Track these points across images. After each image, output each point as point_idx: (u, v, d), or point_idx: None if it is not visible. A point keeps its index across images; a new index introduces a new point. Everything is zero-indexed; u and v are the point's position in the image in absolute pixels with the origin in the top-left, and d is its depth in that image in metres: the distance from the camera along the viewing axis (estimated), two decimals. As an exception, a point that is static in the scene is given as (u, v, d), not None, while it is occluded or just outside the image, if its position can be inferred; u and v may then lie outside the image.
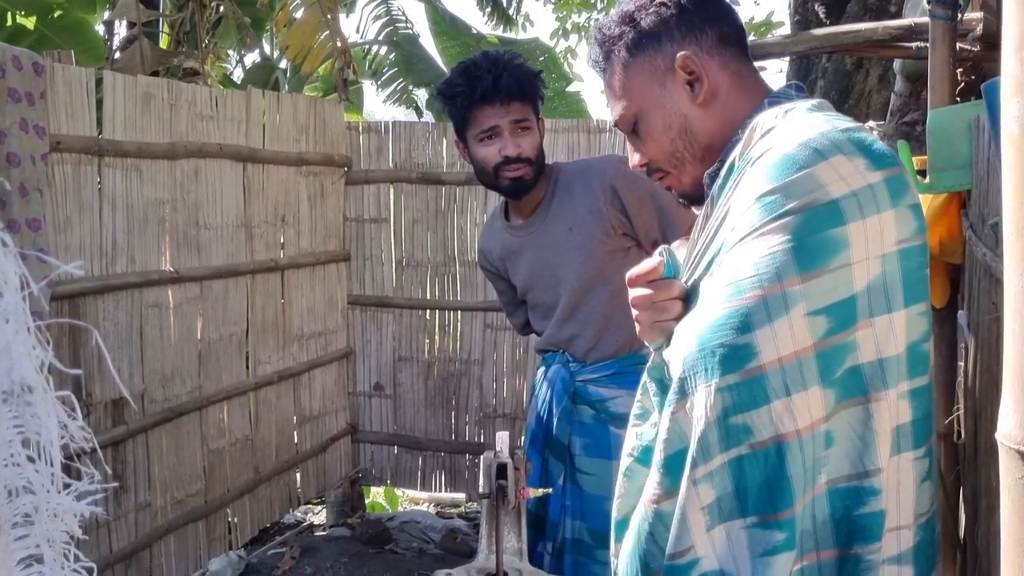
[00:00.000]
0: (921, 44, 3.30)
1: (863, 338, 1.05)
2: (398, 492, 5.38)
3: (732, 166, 1.17)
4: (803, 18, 7.28)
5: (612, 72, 1.33)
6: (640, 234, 2.32)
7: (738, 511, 1.07)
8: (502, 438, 1.82)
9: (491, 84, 2.23)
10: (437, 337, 4.75)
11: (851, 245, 1.03)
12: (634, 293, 1.25)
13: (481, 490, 1.76)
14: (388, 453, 4.86)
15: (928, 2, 2.29)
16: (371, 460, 4.88)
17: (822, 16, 7.06)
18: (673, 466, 1.12)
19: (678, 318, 1.19)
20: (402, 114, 7.77)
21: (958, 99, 3.63)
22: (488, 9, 9.08)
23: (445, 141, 4.59)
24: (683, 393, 1.11)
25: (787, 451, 1.05)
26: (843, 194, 1.04)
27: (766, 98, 1.23)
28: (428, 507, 5.39)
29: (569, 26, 11.42)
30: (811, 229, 1.03)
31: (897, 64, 3.92)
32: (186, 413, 3.56)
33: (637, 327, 1.25)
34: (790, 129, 1.11)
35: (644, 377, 1.30)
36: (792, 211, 1.04)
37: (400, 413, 4.80)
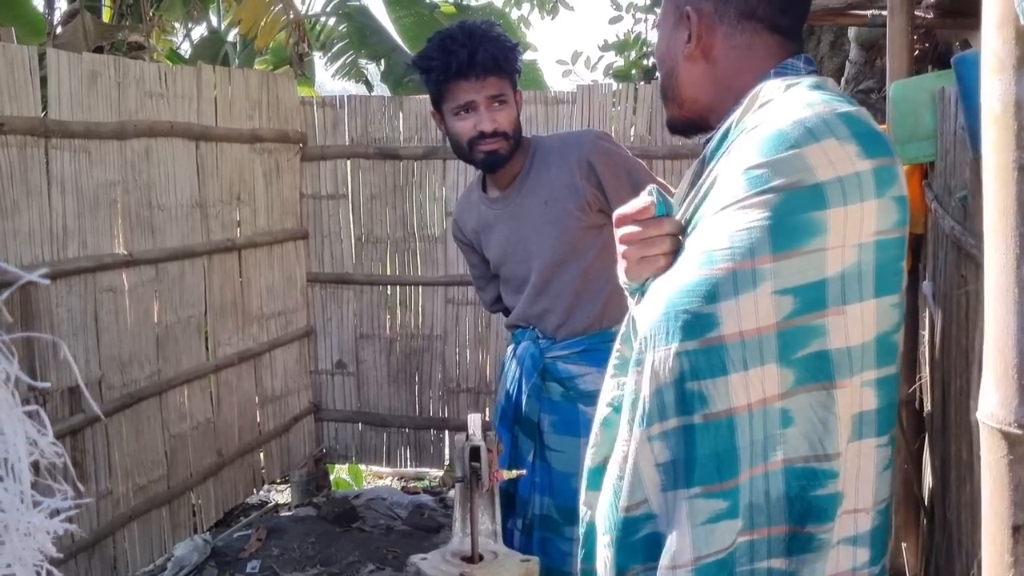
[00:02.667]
0: (876, 12, 3.32)
1: (833, 324, 1.06)
2: (362, 468, 5.37)
3: (727, 131, 1.18)
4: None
5: None
6: (615, 210, 2.31)
7: (684, 481, 1.09)
8: (474, 420, 1.81)
9: (467, 59, 2.20)
10: (399, 313, 4.72)
11: (828, 230, 1.04)
12: (623, 231, 1.23)
13: (456, 474, 1.74)
14: (352, 431, 4.84)
15: (886, -30, 2.29)
16: (335, 438, 4.85)
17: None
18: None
19: (667, 255, 1.19)
20: (352, 88, 7.67)
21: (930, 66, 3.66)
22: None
23: (402, 115, 4.53)
24: (644, 352, 1.12)
25: (737, 424, 1.07)
26: (829, 179, 1.04)
27: (773, 68, 1.22)
28: (392, 482, 5.39)
29: (523, -5, 11.32)
30: (791, 209, 1.04)
31: (852, 32, 3.94)
32: (145, 398, 3.50)
33: (623, 264, 1.24)
34: (788, 104, 1.11)
35: (624, 326, 1.30)
36: (775, 188, 1.04)
37: (363, 390, 4.77)
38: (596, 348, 2.38)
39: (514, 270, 2.43)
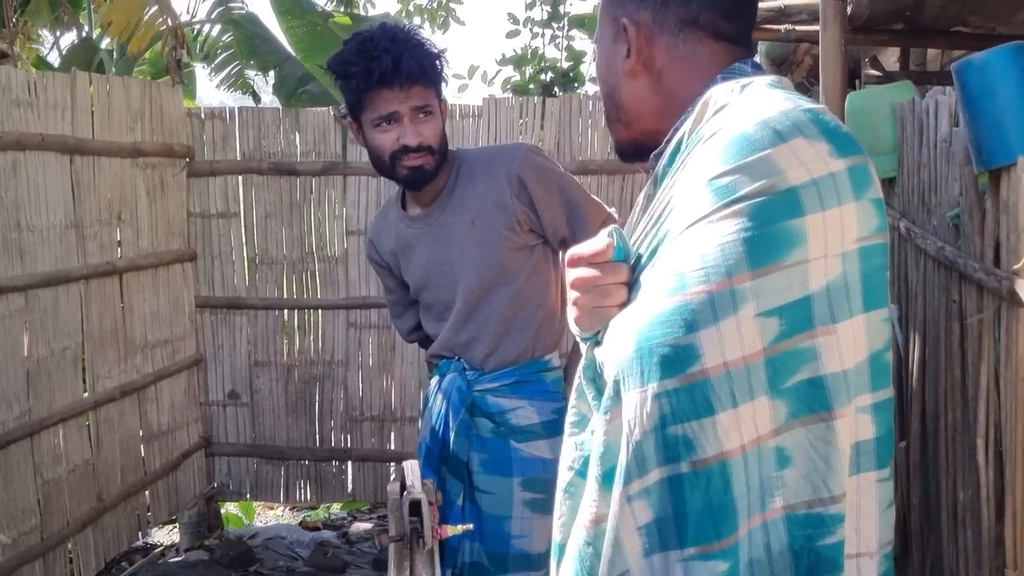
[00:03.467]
0: (789, 27, 3.29)
1: (825, 346, 0.93)
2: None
3: (680, 144, 1.06)
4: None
5: None
6: (548, 230, 2.14)
7: (676, 541, 0.94)
8: (410, 468, 1.60)
9: (391, 66, 1.99)
10: (297, 338, 4.45)
11: (809, 239, 0.92)
12: (576, 274, 1.09)
13: (391, 532, 1.53)
14: (246, 465, 4.52)
15: (820, -19, 2.23)
16: (228, 474, 4.53)
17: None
18: (611, 480, 0.98)
19: (622, 306, 1.05)
20: (237, 100, 7.32)
21: (818, 82, 3.67)
22: (329, -12, 8.68)
23: (298, 129, 4.28)
24: (618, 398, 0.97)
25: (731, 470, 0.93)
26: (802, 182, 0.92)
27: (719, 73, 1.11)
28: (285, 512, 5.08)
29: (412, 7, 11.13)
30: (766, 219, 0.92)
31: (762, 47, 3.94)
32: (14, 441, 3.13)
33: (573, 312, 1.10)
34: (747, 106, 0.99)
35: (578, 378, 1.15)
36: (746, 197, 0.92)
37: (258, 422, 4.47)
38: (528, 379, 2.21)
39: (437, 295, 2.24)
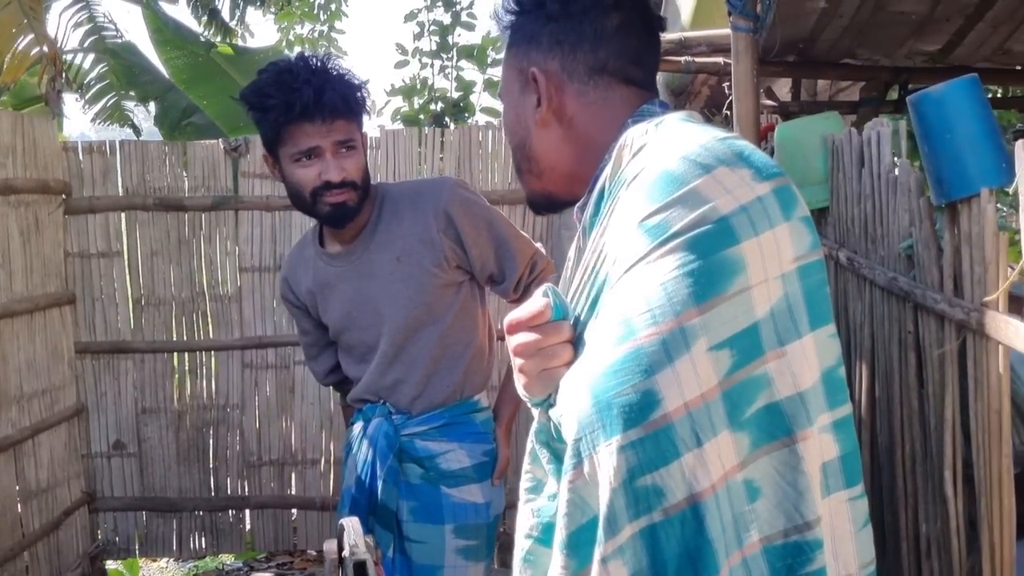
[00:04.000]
0: (690, 59, 3.35)
1: (776, 371, 0.93)
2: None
3: (603, 191, 1.05)
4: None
5: (503, 42, 1.24)
6: (475, 267, 2.08)
7: None
8: (352, 526, 1.50)
9: (312, 99, 1.89)
10: (188, 382, 4.22)
11: (748, 266, 0.91)
12: (517, 340, 1.07)
13: (332, 600, 1.43)
14: (135, 520, 4.25)
15: (730, 15, 2.26)
16: (114, 530, 4.24)
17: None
18: (578, 544, 0.95)
19: (569, 365, 1.03)
20: (104, 132, 6.98)
21: (722, 112, 3.75)
22: (204, 18, 8.43)
23: (186, 162, 4.09)
24: (580, 457, 0.94)
25: (705, 511, 0.90)
26: (732, 209, 0.92)
27: (629, 117, 1.11)
28: (167, 563, 4.80)
29: (292, 37, 10.93)
30: (703, 252, 0.91)
31: (662, 78, 3.99)
32: None
33: (520, 379, 1.07)
34: (665, 143, 1.00)
35: (531, 442, 1.12)
36: (679, 233, 0.92)
37: (147, 473, 4.21)
38: (457, 421, 2.14)
39: (359, 336, 2.14)
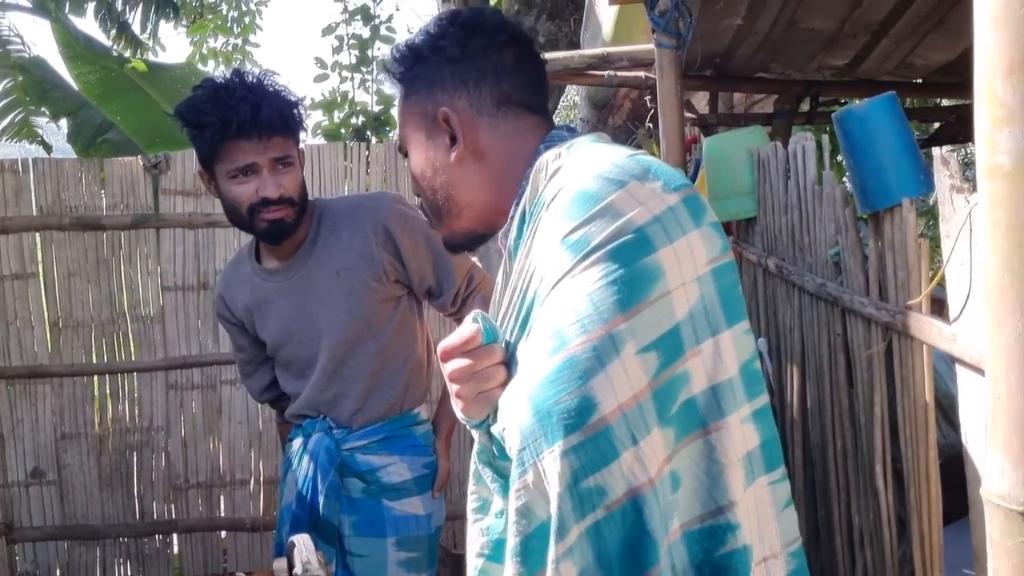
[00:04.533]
0: (612, 73, 3.44)
1: (694, 368, 1.00)
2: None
3: (524, 214, 1.11)
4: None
5: (398, 95, 1.27)
6: (414, 280, 2.10)
7: None
8: (303, 544, 1.50)
9: (249, 116, 1.89)
10: (110, 405, 4.10)
11: (666, 272, 0.98)
12: (451, 367, 1.11)
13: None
14: (56, 549, 4.10)
15: (653, 32, 2.34)
16: (33, 562, 4.08)
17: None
18: (529, 550, 1.00)
19: (504, 385, 1.08)
20: (23, 150, 6.74)
21: (645, 124, 3.85)
22: (114, 31, 8.22)
23: (104, 180, 3.99)
24: (524, 467, 0.98)
25: (644, 504, 0.96)
26: (646, 220, 0.99)
27: (540, 143, 1.18)
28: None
29: (205, 51, 10.72)
30: (624, 261, 0.97)
31: (583, 92, 4.08)
32: None
33: (458, 404, 1.12)
34: (578, 163, 1.07)
35: (474, 463, 1.16)
36: (600, 246, 0.98)
37: (68, 500, 4.07)
38: (398, 434, 2.15)
39: (298, 351, 2.13)
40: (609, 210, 0.99)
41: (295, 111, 2.01)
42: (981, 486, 0.87)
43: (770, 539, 1.06)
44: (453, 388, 1.12)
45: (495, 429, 1.09)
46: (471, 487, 1.18)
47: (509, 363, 1.09)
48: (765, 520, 1.06)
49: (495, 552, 1.13)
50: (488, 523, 1.15)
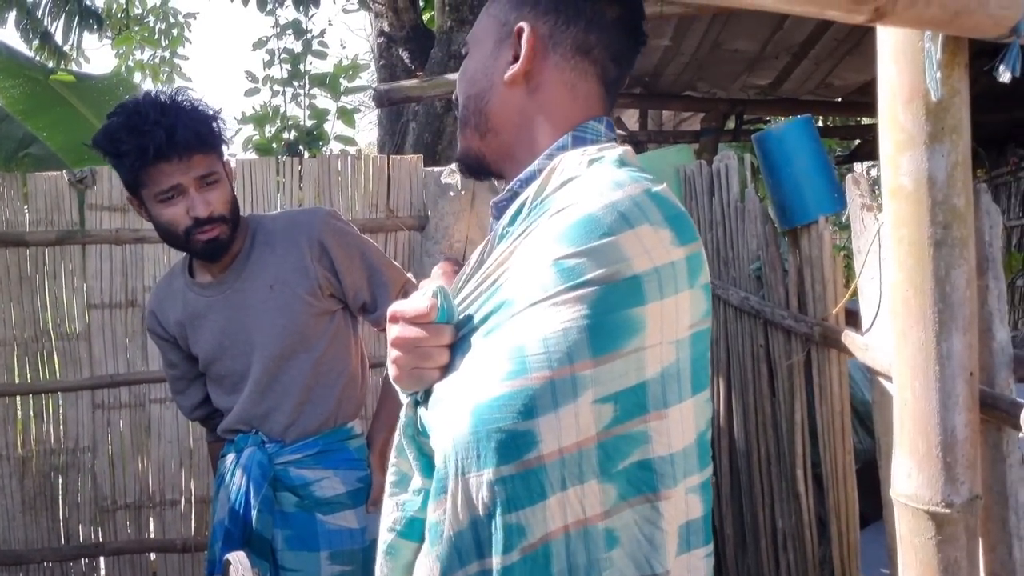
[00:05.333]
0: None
1: (656, 430, 0.97)
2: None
3: (522, 207, 1.06)
4: (388, 62, 7.47)
5: None
6: (348, 294, 2.11)
7: None
8: (239, 561, 1.49)
9: (165, 140, 1.88)
10: (33, 426, 3.99)
11: (647, 327, 0.95)
12: (396, 332, 1.07)
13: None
14: (-25, 576, 3.97)
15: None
16: (-48, 589, 3.94)
17: (407, 61, 7.29)
18: (450, 556, 0.98)
19: (442, 370, 1.05)
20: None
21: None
22: (36, 42, 8.02)
23: (27, 195, 3.89)
24: (446, 480, 0.97)
25: (552, 550, 0.94)
26: (646, 270, 0.95)
27: (572, 130, 1.11)
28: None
29: (132, 63, 10.52)
30: (610, 306, 0.93)
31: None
32: None
33: (392, 370, 1.08)
34: (595, 184, 1.00)
35: (398, 436, 1.12)
36: (591, 282, 0.94)
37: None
38: (332, 449, 2.16)
39: (231, 365, 2.13)
40: (611, 248, 0.94)
41: (212, 126, 2.01)
42: (891, 487, 0.92)
43: None
44: (392, 354, 1.07)
45: (423, 413, 1.06)
46: (392, 459, 1.15)
47: (456, 347, 1.05)
48: None
49: (408, 529, 1.10)
50: (404, 499, 1.12)
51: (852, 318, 1.29)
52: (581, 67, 1.12)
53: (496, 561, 0.93)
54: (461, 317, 1.06)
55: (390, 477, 1.15)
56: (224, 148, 2.07)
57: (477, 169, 1.21)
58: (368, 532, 2.19)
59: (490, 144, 1.16)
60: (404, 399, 1.11)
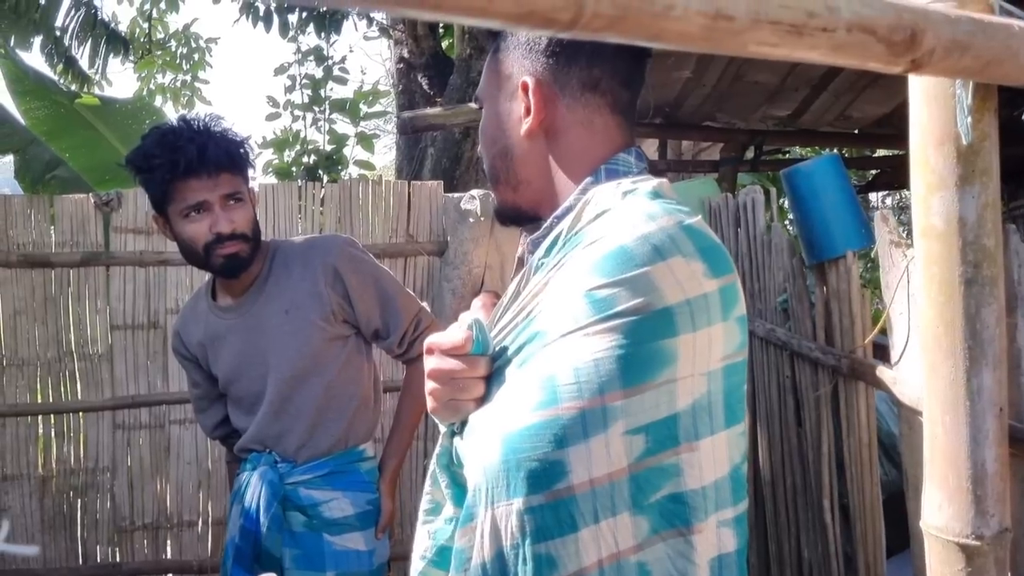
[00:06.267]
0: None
1: (687, 463, 0.97)
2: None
3: (557, 239, 1.07)
4: (407, 88, 7.55)
5: (489, 46, 1.20)
6: (361, 321, 2.15)
7: None
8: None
9: (196, 156, 1.95)
10: (54, 446, 4.02)
11: (679, 359, 0.95)
12: (433, 363, 1.08)
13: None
14: (-7, 595, 3.99)
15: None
16: (-30, 608, 3.97)
17: (426, 87, 7.36)
18: None
19: (477, 401, 1.06)
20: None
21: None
22: (60, 66, 8.14)
23: (52, 217, 3.95)
24: (476, 508, 0.98)
25: None
26: (678, 302, 0.95)
27: (603, 164, 1.11)
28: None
29: (154, 86, 10.66)
30: (641, 338, 0.94)
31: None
32: None
33: (429, 401, 1.09)
34: (628, 217, 1.01)
35: (432, 465, 1.15)
36: (623, 314, 0.94)
37: (9, 544, 3.96)
38: (342, 470, 2.19)
39: (248, 387, 2.17)
40: (643, 280, 0.94)
41: (241, 149, 2.08)
42: (920, 519, 0.94)
43: None
44: (429, 385, 1.08)
45: (458, 443, 1.07)
46: (426, 487, 1.16)
47: (492, 378, 1.06)
48: None
49: (439, 557, 1.12)
50: (436, 527, 1.13)
51: (878, 351, 1.30)
52: (593, 102, 1.12)
53: None
54: (497, 349, 1.07)
55: (424, 505, 1.16)
56: (250, 172, 2.13)
57: (517, 219, 1.21)
58: (376, 556, 2.21)
59: (524, 195, 1.17)
60: (441, 429, 1.12)
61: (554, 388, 0.94)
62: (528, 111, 1.12)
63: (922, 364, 0.93)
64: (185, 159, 1.97)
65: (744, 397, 1.04)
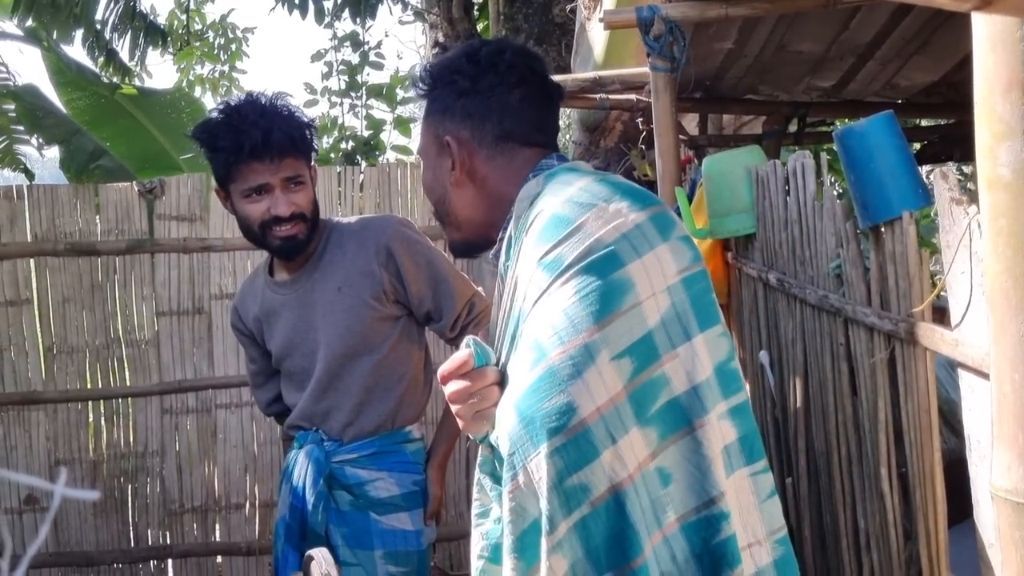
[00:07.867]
0: (604, 96, 3.50)
1: (672, 370, 1.08)
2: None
3: (510, 239, 1.23)
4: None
5: (420, 108, 1.40)
6: (413, 302, 2.14)
7: (594, 573, 1.06)
8: (323, 557, 1.52)
9: (260, 140, 1.95)
10: (104, 431, 4.09)
11: (636, 285, 1.08)
12: (450, 389, 1.22)
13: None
14: (49, 577, 4.08)
15: (648, 56, 2.39)
16: (27, 590, 4.05)
17: (461, 70, 7.33)
18: (524, 546, 1.10)
19: (498, 403, 1.18)
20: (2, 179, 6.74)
21: (637, 146, 3.91)
22: (102, 59, 8.24)
23: (98, 206, 4.01)
24: (515, 469, 1.09)
25: (625, 499, 1.05)
26: (614, 238, 1.09)
27: (530, 172, 1.28)
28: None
29: (192, 77, 10.77)
30: (595, 277, 1.07)
31: (575, 115, 4.14)
32: None
33: (460, 423, 1.23)
34: (554, 190, 1.18)
35: (477, 473, 1.28)
36: (571, 265, 1.08)
37: (62, 527, 4.05)
38: (388, 450, 2.18)
39: (299, 362, 2.18)
40: (580, 231, 1.09)
41: (306, 133, 2.07)
42: (989, 482, 0.91)
43: (753, 526, 1.14)
44: (454, 408, 1.21)
45: (492, 439, 1.18)
46: (474, 494, 1.28)
47: (503, 380, 1.19)
48: (747, 509, 1.14)
49: (494, 554, 1.22)
50: (488, 528, 1.25)
51: (936, 315, 1.27)
52: (509, 148, 1.30)
53: (568, 522, 1.04)
54: (502, 354, 1.20)
55: (474, 510, 1.28)
56: (313, 154, 2.13)
57: (470, 252, 1.40)
58: (424, 536, 2.21)
59: (468, 231, 1.34)
60: (477, 440, 1.23)
61: (540, 346, 1.07)
62: (453, 165, 1.30)
63: (988, 322, 0.90)
64: (249, 143, 1.98)
65: (715, 301, 1.15)
